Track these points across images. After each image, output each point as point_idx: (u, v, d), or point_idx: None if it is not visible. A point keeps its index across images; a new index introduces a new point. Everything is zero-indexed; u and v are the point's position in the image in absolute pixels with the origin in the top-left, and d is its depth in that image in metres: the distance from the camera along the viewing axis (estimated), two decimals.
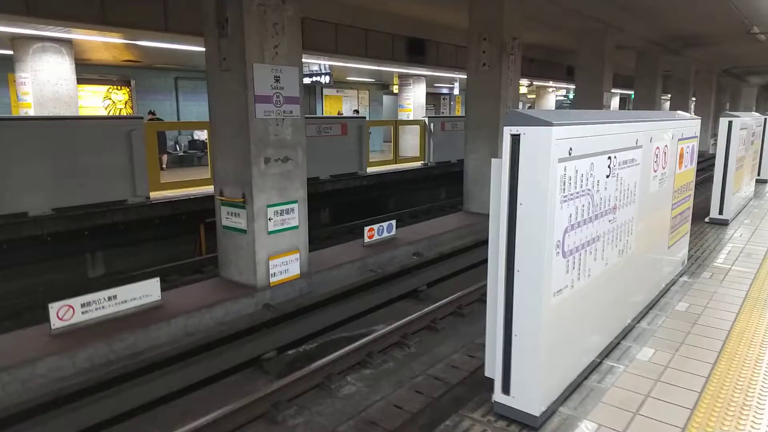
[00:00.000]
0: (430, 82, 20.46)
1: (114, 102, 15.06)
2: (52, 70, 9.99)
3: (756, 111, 28.47)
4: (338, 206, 11.31)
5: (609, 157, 2.69)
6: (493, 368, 2.57)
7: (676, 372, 2.92)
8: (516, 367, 2.44)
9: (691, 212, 4.76)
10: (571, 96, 25.18)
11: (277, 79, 5.70)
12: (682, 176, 4.22)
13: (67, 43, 10.11)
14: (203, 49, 5.87)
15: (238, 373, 4.77)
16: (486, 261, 2.59)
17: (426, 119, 14.57)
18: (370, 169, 12.29)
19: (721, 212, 6.75)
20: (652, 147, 3.35)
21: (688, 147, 4.28)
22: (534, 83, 22.81)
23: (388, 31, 12.91)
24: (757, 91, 37.92)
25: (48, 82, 9.94)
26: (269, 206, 5.80)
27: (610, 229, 2.85)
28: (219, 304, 5.40)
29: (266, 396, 4.10)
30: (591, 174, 2.54)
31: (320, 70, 15.32)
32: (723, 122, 6.65)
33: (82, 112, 12.93)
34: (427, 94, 20.10)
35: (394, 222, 8.13)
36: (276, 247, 5.93)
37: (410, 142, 15.88)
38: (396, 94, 19.88)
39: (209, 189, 6.70)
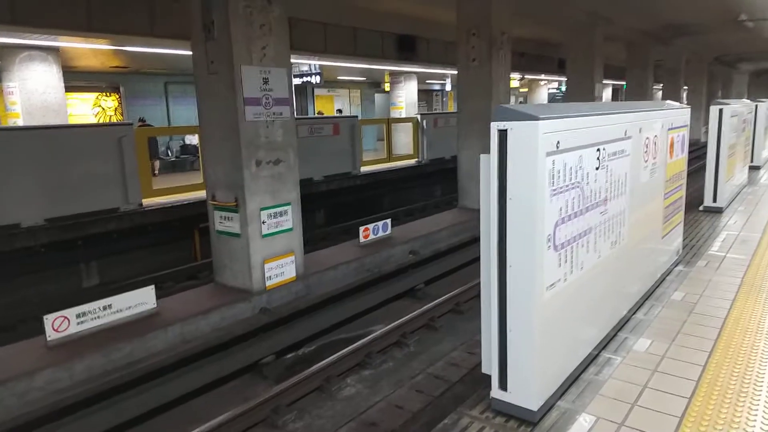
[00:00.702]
0: (422, 78, 20.44)
1: (104, 109, 14.99)
2: (40, 79, 9.93)
3: (748, 98, 28.58)
4: (333, 207, 11.29)
5: (598, 149, 2.68)
6: (489, 365, 2.56)
7: (673, 362, 2.92)
8: (512, 363, 2.43)
9: (684, 201, 4.76)
10: (563, 89, 25.19)
11: (265, 81, 5.68)
12: (674, 165, 4.21)
13: (54, 51, 10.05)
14: (191, 53, 5.83)
15: (237, 378, 4.74)
16: None
17: (418, 116, 14.55)
18: (363, 168, 12.27)
19: (714, 200, 6.76)
20: (642, 137, 3.34)
21: (678, 136, 4.28)
22: (526, 77, 22.82)
23: (377, 29, 12.88)
24: (748, 77, 38.05)
25: (36, 91, 9.89)
26: (262, 209, 5.78)
27: (602, 221, 2.84)
28: (215, 309, 5.38)
29: (266, 401, 4.08)
30: (580, 167, 2.53)
31: (310, 70, 15.28)
32: (713, 110, 6.65)
33: (72, 120, 12.86)
34: (419, 90, 20.08)
35: (389, 221, 8.12)
36: (271, 250, 5.91)
37: (403, 139, 15.85)
38: (388, 92, 19.85)
39: (202, 194, 6.67)
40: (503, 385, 2.48)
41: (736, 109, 7.11)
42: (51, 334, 4.55)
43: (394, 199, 12.81)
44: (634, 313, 3.57)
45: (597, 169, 2.71)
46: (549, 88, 27.77)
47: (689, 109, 4.65)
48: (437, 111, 25.17)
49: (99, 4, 8.11)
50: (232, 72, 5.40)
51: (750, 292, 3.92)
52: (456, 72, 9.95)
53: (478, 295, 6.27)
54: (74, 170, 7.32)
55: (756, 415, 2.40)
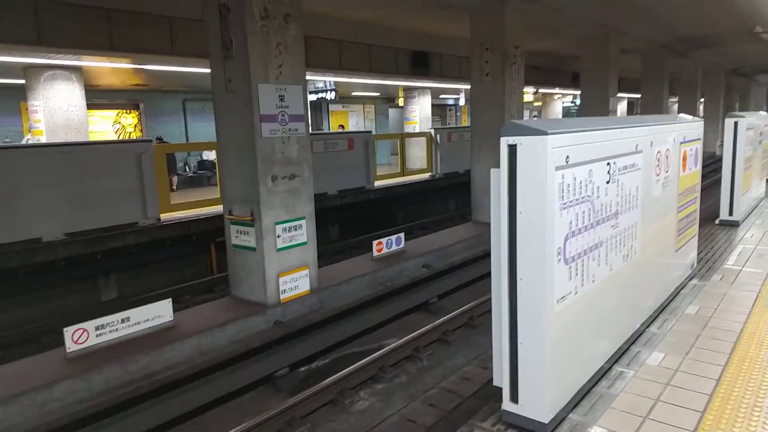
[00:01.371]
0: (436, 93, 20.56)
1: (123, 126, 15.32)
2: (63, 97, 10.21)
3: (767, 110, 28.22)
4: (347, 221, 11.36)
5: (608, 163, 2.71)
6: (501, 377, 2.58)
7: (686, 375, 2.91)
8: (523, 375, 2.45)
9: (698, 215, 4.74)
10: (578, 102, 25.17)
11: (281, 98, 5.79)
12: (687, 179, 4.21)
13: (77, 70, 10.34)
14: (209, 71, 5.98)
15: (252, 391, 4.79)
16: None
17: (432, 131, 14.63)
18: (377, 183, 12.35)
19: (731, 213, 6.70)
20: (653, 151, 3.36)
21: (691, 149, 4.28)
22: (540, 91, 22.83)
23: (391, 45, 13.03)
24: (767, 90, 37.62)
25: (59, 109, 10.16)
26: (277, 223, 5.86)
27: (613, 234, 2.86)
28: (231, 322, 5.45)
29: (280, 413, 4.12)
30: (590, 180, 2.56)
31: (325, 86, 15.49)
32: (729, 123, 6.63)
33: (93, 137, 13.17)
34: (433, 105, 20.19)
35: (402, 235, 8.15)
36: (285, 263, 5.98)
37: (417, 154, 15.92)
38: (402, 107, 20.00)
39: (219, 209, 6.79)
40: (514, 398, 2.50)
41: (752, 121, 7.07)
42: (70, 346, 4.64)
43: (408, 213, 12.85)
44: (648, 327, 3.56)
45: (607, 182, 2.74)
46: (563, 102, 27.72)
47: (702, 122, 4.65)
48: (451, 125, 25.26)
49: (120, 24, 8.36)
50: (249, 90, 5.53)
51: (766, 306, 3.88)
52: (469, 86, 10.03)
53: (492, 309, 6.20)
54: (94, 186, 7.50)
55: None
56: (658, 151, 3.46)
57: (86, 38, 8.14)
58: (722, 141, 6.67)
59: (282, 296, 5.92)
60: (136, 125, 15.59)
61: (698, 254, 4.93)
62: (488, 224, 2.60)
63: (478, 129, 9.79)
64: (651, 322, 3.63)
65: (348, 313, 6.24)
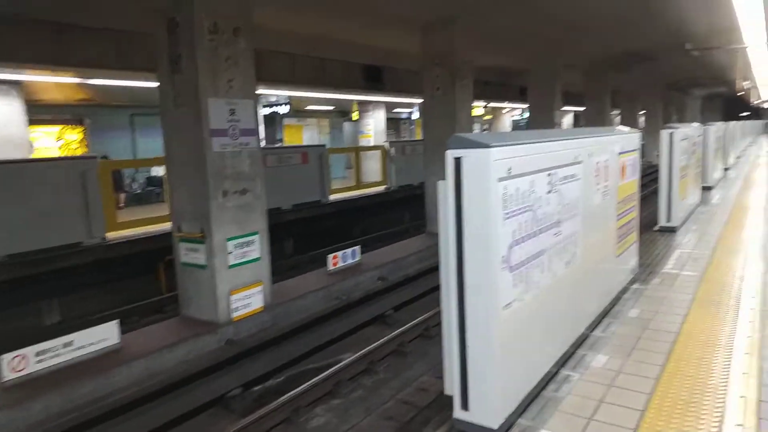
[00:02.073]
0: (390, 107, 20.79)
1: (68, 142, 14.75)
2: (1, 113, 9.77)
3: (702, 121, 29.83)
4: (302, 235, 11.28)
5: (549, 174, 2.82)
6: (451, 385, 2.61)
7: (628, 376, 3.03)
8: (472, 382, 2.49)
9: (638, 222, 4.96)
10: (526, 115, 25.94)
11: (232, 112, 5.74)
12: (625, 188, 4.41)
13: (17, 84, 9.93)
14: (157, 85, 5.87)
15: (203, 413, 4.66)
16: None
17: (386, 144, 14.77)
18: (333, 196, 12.34)
19: (669, 220, 7.03)
20: (592, 162, 3.51)
21: (629, 160, 4.49)
22: (490, 105, 23.42)
23: (344, 59, 13.12)
24: (701, 102, 39.89)
25: None
26: (229, 239, 5.77)
27: (556, 242, 2.96)
28: (181, 343, 5.30)
29: None
30: (532, 191, 2.65)
31: (279, 100, 15.41)
32: (664, 134, 6.98)
33: (36, 154, 12.61)
34: (387, 119, 20.38)
35: (358, 248, 8.17)
36: (237, 280, 5.88)
37: (372, 167, 16.02)
38: (356, 121, 20.10)
39: (168, 226, 6.62)
40: (465, 405, 2.54)
41: (686, 132, 7.47)
42: (7, 375, 4.41)
43: (364, 226, 12.88)
44: (593, 331, 3.69)
45: (548, 192, 2.84)
46: (512, 116, 28.51)
47: (639, 134, 4.89)
48: (405, 139, 25.55)
49: (66, 38, 8.10)
50: (198, 104, 5.45)
51: (701, 306, 4.09)
52: (422, 101, 10.21)
53: None
54: (36, 205, 7.17)
55: (704, 423, 2.51)
56: (597, 162, 3.62)
57: (28, 52, 7.84)
58: (659, 151, 7.00)
59: (234, 314, 5.81)
60: (81, 141, 15.03)
61: (639, 259, 5.15)
62: None
63: (430, 142, 9.96)
64: (595, 326, 3.77)
65: (303, 329, 6.18)
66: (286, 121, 21.07)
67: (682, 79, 25.07)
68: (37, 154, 12.67)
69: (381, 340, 5.65)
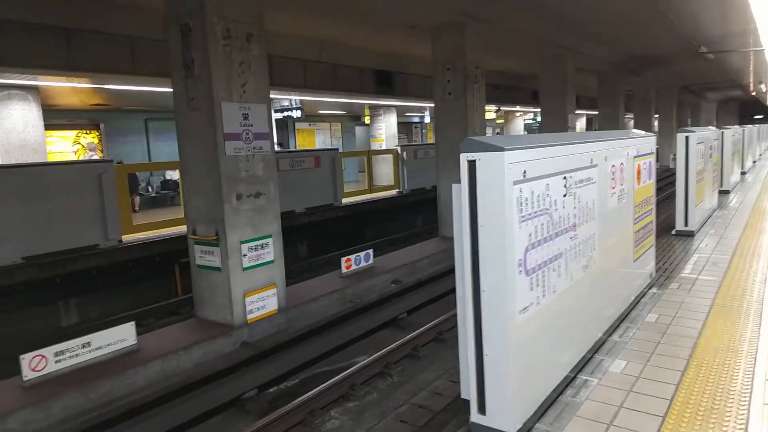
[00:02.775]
0: (401, 111, 20.82)
1: (83, 146, 14.95)
2: (19, 117, 9.93)
3: (716, 124, 29.55)
4: (315, 238, 11.31)
5: (564, 177, 2.80)
6: (468, 389, 2.60)
7: (647, 382, 3.00)
8: (489, 387, 2.48)
9: (654, 226, 4.91)
10: (538, 119, 25.87)
11: (245, 117, 5.78)
12: (642, 191, 4.38)
13: (34, 89, 10.09)
14: (171, 90, 5.93)
15: (219, 414, 4.69)
16: None
17: (398, 148, 14.79)
18: (345, 200, 12.37)
19: (686, 224, 6.96)
20: (608, 165, 3.49)
21: (645, 163, 4.46)
22: (502, 108, 23.37)
23: (356, 64, 13.18)
24: (716, 105, 39.47)
25: (15, 130, 9.87)
26: (243, 242, 5.80)
27: (572, 245, 2.94)
28: (196, 344, 5.33)
29: None
30: (547, 194, 2.64)
31: (291, 104, 15.49)
32: (680, 138, 6.92)
33: (51, 158, 12.80)
34: (399, 123, 20.42)
35: (371, 251, 8.17)
36: (252, 283, 5.91)
37: (384, 170, 16.04)
38: (368, 125, 20.15)
39: (183, 229, 6.68)
40: (482, 410, 2.53)
41: (702, 135, 7.39)
42: (28, 374, 4.47)
43: (376, 230, 12.89)
44: (610, 335, 3.66)
45: (564, 196, 2.83)
46: (525, 119, 28.43)
47: (655, 137, 4.85)
48: (417, 143, 25.56)
49: (80, 44, 8.22)
50: (212, 108, 5.50)
51: (721, 312, 4.04)
52: (433, 105, 10.20)
53: None
54: (53, 208, 7.28)
55: (727, 429, 2.47)
56: (613, 165, 3.60)
57: (44, 57, 7.97)
58: (675, 155, 6.94)
59: (249, 316, 5.84)
60: (96, 145, 15.21)
61: (656, 264, 5.10)
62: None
63: (442, 146, 9.95)
64: (613, 331, 3.73)
65: (317, 332, 6.19)
66: (299, 125, 21.19)
67: (696, 82, 24.84)
68: (51, 158, 12.84)
69: (395, 344, 5.64)
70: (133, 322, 5.26)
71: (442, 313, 6.47)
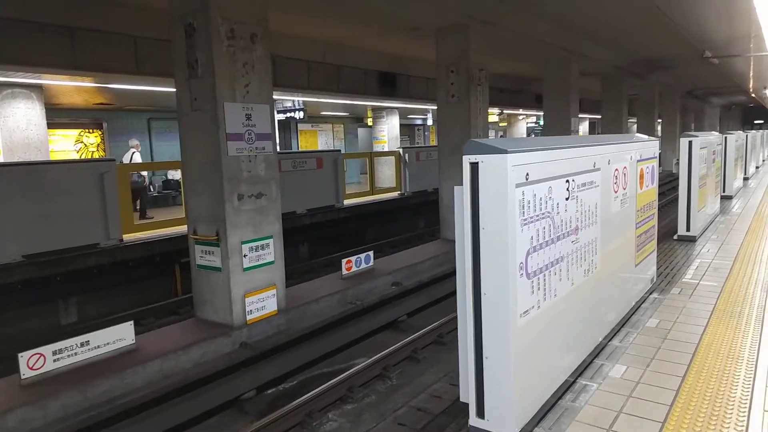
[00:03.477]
0: (404, 113, 20.83)
1: (86, 145, 14.98)
2: (22, 116, 9.95)
3: (720, 130, 29.52)
4: (316, 240, 11.31)
5: (567, 181, 2.79)
6: (467, 393, 2.59)
7: (647, 387, 2.98)
8: (489, 390, 2.47)
9: (656, 230, 4.90)
10: (541, 122, 25.85)
11: (248, 117, 5.78)
12: (644, 196, 4.36)
13: (38, 88, 10.10)
14: (174, 90, 5.93)
15: (218, 414, 4.68)
16: None
17: (401, 150, 14.78)
18: (347, 201, 12.36)
19: (688, 229, 6.94)
20: (611, 169, 3.47)
21: (647, 168, 4.44)
22: (504, 111, 23.37)
23: (359, 66, 13.18)
24: (719, 111, 39.41)
25: (17, 128, 9.89)
26: (244, 242, 5.79)
27: (574, 249, 2.93)
28: (195, 344, 5.32)
29: None
30: (550, 197, 2.63)
31: (294, 105, 15.51)
32: (683, 142, 6.90)
33: (54, 157, 12.82)
34: (401, 125, 20.43)
35: (371, 253, 8.16)
36: (252, 283, 5.90)
37: (386, 172, 16.03)
38: (370, 127, 20.16)
39: (184, 229, 6.67)
40: (481, 413, 2.51)
41: (705, 140, 7.38)
42: (26, 372, 4.46)
43: (377, 232, 12.88)
44: (610, 340, 3.64)
45: (567, 199, 2.82)
46: (527, 123, 28.42)
47: (657, 142, 4.84)
48: (419, 145, 25.56)
49: (83, 43, 8.22)
50: (215, 108, 5.49)
51: (722, 317, 4.02)
52: (436, 107, 10.20)
53: None
54: (54, 206, 7.28)
55: None
56: (616, 169, 3.58)
57: (48, 56, 7.97)
58: (678, 159, 6.92)
59: (248, 317, 5.83)
60: (98, 145, 15.25)
61: (658, 268, 5.08)
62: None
63: (444, 148, 9.94)
64: (613, 335, 3.72)
65: (317, 333, 6.17)
66: (301, 126, 21.21)
67: (700, 87, 24.81)
68: (53, 157, 12.85)
69: (394, 346, 5.62)
70: (131, 322, 5.25)
71: (443, 315, 6.46)
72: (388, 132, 19.18)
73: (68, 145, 14.70)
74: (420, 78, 14.98)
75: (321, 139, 22.55)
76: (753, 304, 4.28)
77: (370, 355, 5.51)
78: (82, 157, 14.70)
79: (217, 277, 5.79)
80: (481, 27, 9.40)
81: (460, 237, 2.53)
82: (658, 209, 5.05)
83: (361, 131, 23.98)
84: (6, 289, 6.79)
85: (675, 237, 7.01)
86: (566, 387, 2.97)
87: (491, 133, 25.73)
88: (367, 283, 7.48)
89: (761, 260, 5.74)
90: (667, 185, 17.78)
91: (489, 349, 2.44)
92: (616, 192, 3.62)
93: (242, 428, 4.23)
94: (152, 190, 15.19)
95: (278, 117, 15.47)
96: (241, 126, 5.71)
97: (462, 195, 2.46)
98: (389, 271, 8.00)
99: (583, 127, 31.37)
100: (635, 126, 24.97)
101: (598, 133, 28.36)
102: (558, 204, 2.71)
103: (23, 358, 4.45)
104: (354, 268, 7.73)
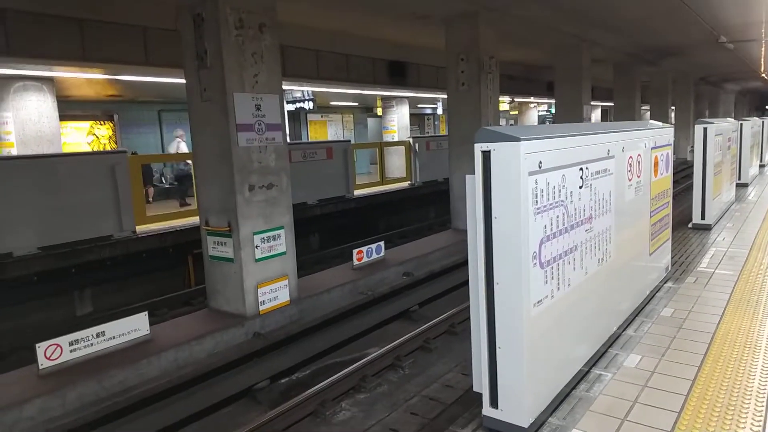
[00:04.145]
0: (413, 103, 20.70)
1: (98, 137, 15.06)
2: (34, 108, 10.01)
3: (735, 116, 29.05)
4: (327, 230, 11.32)
5: (581, 168, 2.75)
6: (480, 383, 2.58)
7: (662, 377, 2.95)
8: (502, 380, 2.45)
9: (671, 219, 4.83)
10: (553, 110, 25.59)
11: (258, 107, 5.77)
12: (659, 184, 4.30)
13: (49, 80, 10.16)
14: (184, 81, 5.93)
15: (231, 404, 4.72)
16: None
17: (411, 140, 14.71)
18: (357, 192, 12.35)
19: (703, 217, 6.85)
20: (625, 156, 3.42)
21: (662, 155, 4.37)
22: (515, 100, 23.15)
23: (368, 55, 13.09)
24: (734, 97, 38.74)
25: (30, 121, 9.95)
26: (255, 233, 5.81)
27: (587, 238, 2.90)
28: (209, 335, 5.36)
29: (259, 426, 4.06)
30: (563, 185, 2.59)
31: (303, 96, 15.47)
32: (698, 129, 6.80)
33: (66, 149, 12.91)
34: (411, 114, 20.31)
35: (382, 243, 8.15)
36: (264, 274, 5.92)
37: (396, 162, 15.97)
38: (380, 117, 20.08)
39: (196, 220, 6.71)
40: (494, 403, 2.50)
41: (720, 127, 7.25)
42: (43, 363, 4.52)
43: (388, 222, 12.87)
44: (625, 330, 3.61)
45: (580, 187, 2.78)
46: (539, 111, 28.15)
47: (672, 128, 4.76)
48: (429, 134, 25.42)
49: (93, 35, 8.24)
50: (224, 99, 5.49)
51: (738, 307, 3.97)
52: (446, 96, 10.12)
53: None
54: (68, 198, 7.35)
55: (744, 427, 2.42)
56: (630, 157, 3.53)
57: (58, 48, 8.00)
58: (693, 147, 6.81)
59: (261, 307, 5.86)
60: (110, 137, 15.33)
61: (672, 257, 5.02)
62: (467, 231, 2.61)
63: (455, 137, 9.87)
64: (628, 325, 3.68)
65: (329, 323, 6.20)
66: (311, 116, 21.18)
67: (714, 73, 24.38)
68: (65, 149, 12.94)
69: (406, 336, 5.63)
70: (145, 312, 5.30)
71: (454, 305, 6.45)
72: (398, 122, 19.08)
73: (80, 137, 14.79)
74: (430, 66, 14.86)
75: (331, 130, 22.51)
76: None
77: (383, 344, 5.52)
78: (94, 149, 14.80)
79: (230, 268, 5.82)
80: (491, 14, 9.27)
81: (472, 226, 2.50)
82: (673, 197, 4.98)
83: (370, 121, 23.89)
84: (22, 280, 6.87)
85: (690, 225, 6.92)
86: (580, 377, 2.95)
87: (502, 122, 25.57)
88: (379, 274, 7.49)
89: None
90: (682, 173, 17.56)
91: (502, 339, 2.42)
92: (630, 180, 3.57)
93: (256, 418, 4.27)
94: (164, 181, 15.27)
95: (288, 108, 15.45)
96: (251, 116, 5.71)
97: (474, 184, 2.43)
98: (400, 261, 7.99)
99: (596, 115, 31.03)
100: (648, 113, 24.65)
101: (611, 121, 28.04)
102: (571, 192, 2.68)
103: (41, 348, 4.51)
104: (365, 259, 7.73)
